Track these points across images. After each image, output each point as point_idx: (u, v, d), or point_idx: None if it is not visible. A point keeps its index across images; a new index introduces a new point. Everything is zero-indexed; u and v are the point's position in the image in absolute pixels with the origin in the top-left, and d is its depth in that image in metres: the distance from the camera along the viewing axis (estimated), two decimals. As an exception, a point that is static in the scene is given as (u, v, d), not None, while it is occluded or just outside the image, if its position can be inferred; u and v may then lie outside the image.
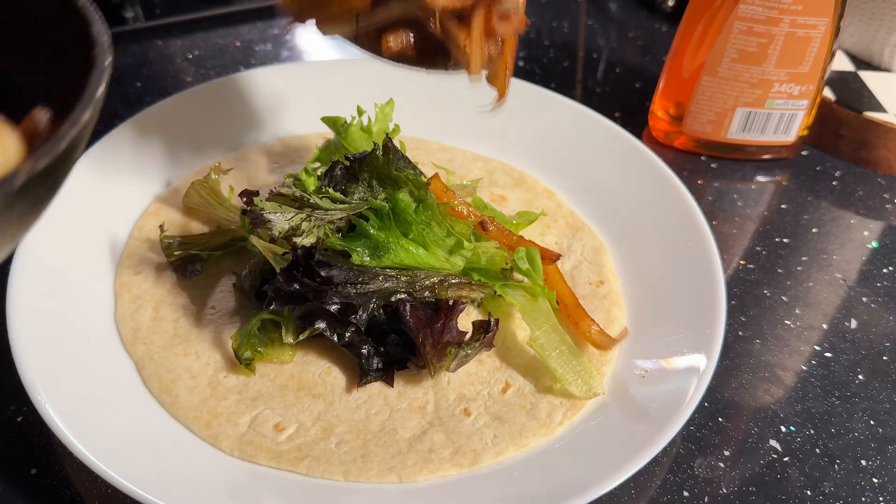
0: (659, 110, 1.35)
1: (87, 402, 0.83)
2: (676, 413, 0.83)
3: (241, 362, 0.89)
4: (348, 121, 1.10)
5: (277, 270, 0.88)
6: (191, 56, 1.53)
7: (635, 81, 1.54)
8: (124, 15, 1.54)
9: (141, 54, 1.52)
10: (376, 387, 0.90)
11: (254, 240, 0.92)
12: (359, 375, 0.90)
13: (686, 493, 0.85)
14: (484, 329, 0.90)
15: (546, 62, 1.59)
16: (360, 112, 1.11)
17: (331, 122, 1.13)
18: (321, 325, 0.88)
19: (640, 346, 0.95)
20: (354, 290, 0.89)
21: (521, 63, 1.58)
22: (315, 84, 1.28)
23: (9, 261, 0.93)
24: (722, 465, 0.88)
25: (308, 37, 1.64)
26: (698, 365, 0.88)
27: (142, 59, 1.50)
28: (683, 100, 1.29)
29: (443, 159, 1.21)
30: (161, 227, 1.04)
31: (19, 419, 0.87)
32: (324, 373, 0.91)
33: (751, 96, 1.25)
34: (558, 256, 1.04)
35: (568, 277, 1.03)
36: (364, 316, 0.89)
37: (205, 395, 0.88)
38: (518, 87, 1.28)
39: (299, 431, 0.85)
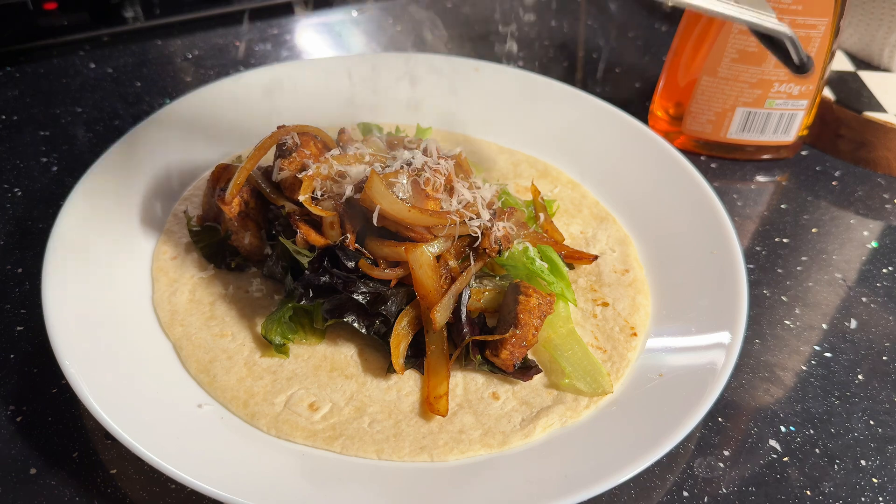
0: (659, 110, 1.35)
1: (123, 382, 0.85)
2: (695, 406, 0.84)
3: (273, 347, 0.92)
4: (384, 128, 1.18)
5: (305, 264, 0.91)
6: (190, 56, 1.53)
7: (635, 81, 1.54)
8: (124, 15, 1.54)
9: (141, 54, 1.52)
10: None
11: (281, 238, 0.96)
12: (389, 361, 0.91)
13: (686, 493, 0.85)
14: (524, 368, 0.92)
15: (546, 62, 1.59)
16: (399, 131, 1.17)
17: (365, 127, 1.19)
18: (350, 317, 0.91)
19: (659, 344, 0.96)
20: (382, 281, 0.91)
21: (521, 63, 1.58)
22: (337, 79, 1.31)
23: (44, 245, 0.95)
24: (722, 465, 0.88)
25: (307, 36, 1.64)
26: (715, 367, 0.89)
27: (142, 59, 1.50)
28: (683, 100, 1.29)
29: (469, 151, 1.24)
30: (185, 212, 1.07)
31: (19, 419, 0.87)
32: (356, 354, 0.94)
33: (750, 96, 1.25)
34: (595, 258, 1.06)
35: (594, 265, 1.06)
36: (393, 308, 0.91)
37: (241, 374, 0.90)
38: (542, 82, 1.32)
39: (333, 411, 0.87)
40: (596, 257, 1.07)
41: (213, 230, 1.04)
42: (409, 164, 0.93)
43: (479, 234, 0.93)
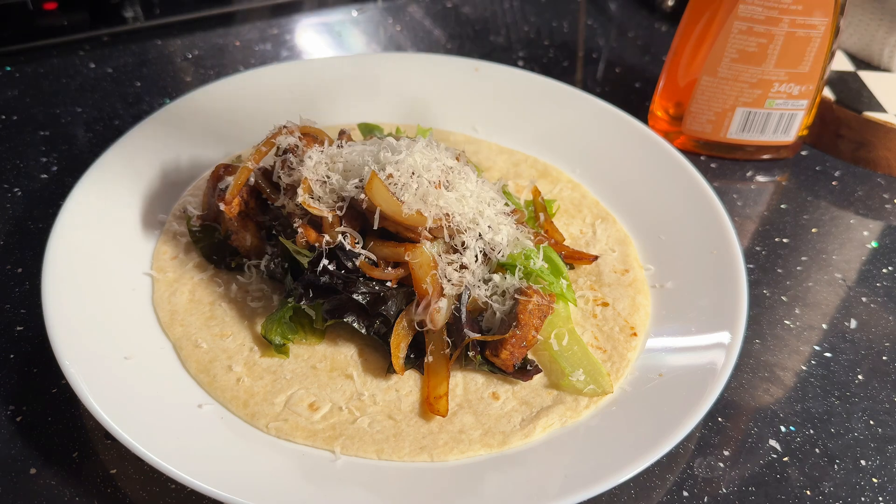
0: (658, 110, 1.35)
1: (123, 382, 0.85)
2: (695, 406, 0.84)
3: (273, 347, 0.92)
4: (384, 128, 1.19)
5: (305, 264, 0.91)
6: (190, 56, 1.53)
7: (635, 81, 1.54)
8: (124, 15, 1.54)
9: (141, 54, 1.52)
10: None
11: (281, 238, 0.96)
12: (389, 361, 0.91)
13: (686, 493, 0.85)
14: (524, 368, 0.92)
15: (546, 62, 1.59)
16: (399, 132, 1.18)
17: (366, 128, 1.20)
18: (350, 317, 0.91)
19: (659, 344, 0.96)
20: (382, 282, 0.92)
21: (520, 63, 1.58)
22: (337, 79, 1.31)
23: (44, 245, 0.95)
24: (722, 465, 0.88)
25: (307, 36, 1.64)
26: (715, 367, 0.89)
27: (142, 59, 1.50)
28: (683, 100, 1.29)
29: (469, 151, 1.24)
30: (185, 212, 1.07)
31: (19, 419, 0.87)
32: (356, 354, 0.94)
33: (750, 96, 1.25)
34: (595, 258, 1.06)
35: (594, 265, 1.07)
36: (393, 308, 0.91)
37: (241, 374, 0.90)
38: (542, 82, 1.32)
39: (333, 411, 0.87)
40: (596, 257, 1.07)
41: (213, 230, 1.04)
42: (410, 165, 0.93)
43: (479, 234, 0.93)
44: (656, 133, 1.23)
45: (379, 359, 0.93)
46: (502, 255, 0.95)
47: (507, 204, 1.02)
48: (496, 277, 0.94)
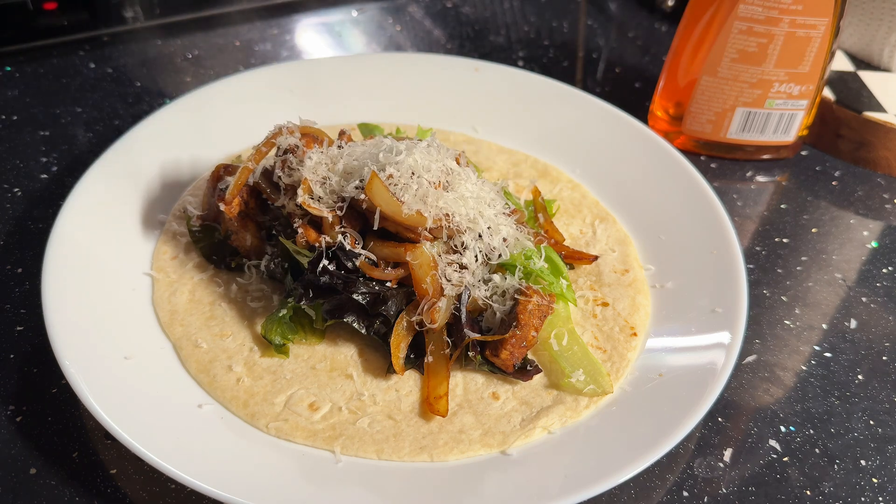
0: (658, 110, 1.35)
1: (123, 382, 0.85)
2: (695, 406, 0.84)
3: (273, 347, 0.92)
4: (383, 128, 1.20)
5: (305, 264, 0.91)
6: (190, 56, 1.53)
7: (635, 81, 1.54)
8: (124, 15, 1.54)
9: (141, 54, 1.52)
10: None
11: (281, 238, 0.96)
12: (388, 361, 0.92)
13: (686, 493, 0.85)
14: (524, 368, 0.92)
15: (546, 62, 1.59)
16: (399, 132, 1.18)
17: (366, 128, 1.20)
18: (350, 318, 0.91)
19: (659, 344, 0.96)
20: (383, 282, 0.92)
21: (520, 63, 1.58)
22: (338, 80, 1.31)
23: (44, 245, 0.95)
24: (722, 465, 0.88)
25: (307, 36, 1.64)
26: (715, 367, 0.89)
27: (142, 59, 1.50)
28: (683, 100, 1.29)
29: (469, 151, 1.24)
30: (186, 212, 1.07)
31: (19, 419, 0.87)
32: (356, 354, 0.94)
33: (750, 96, 1.25)
34: (595, 258, 1.06)
35: (594, 265, 1.07)
36: (393, 308, 0.91)
37: (241, 374, 0.90)
38: (542, 82, 1.32)
39: (333, 411, 0.87)
40: (596, 257, 1.07)
41: (213, 230, 1.04)
42: (410, 165, 0.93)
43: (479, 234, 0.93)
44: (656, 133, 1.23)
45: (379, 359, 0.93)
46: (502, 256, 0.95)
47: (507, 204, 1.02)
48: (496, 278, 0.94)
